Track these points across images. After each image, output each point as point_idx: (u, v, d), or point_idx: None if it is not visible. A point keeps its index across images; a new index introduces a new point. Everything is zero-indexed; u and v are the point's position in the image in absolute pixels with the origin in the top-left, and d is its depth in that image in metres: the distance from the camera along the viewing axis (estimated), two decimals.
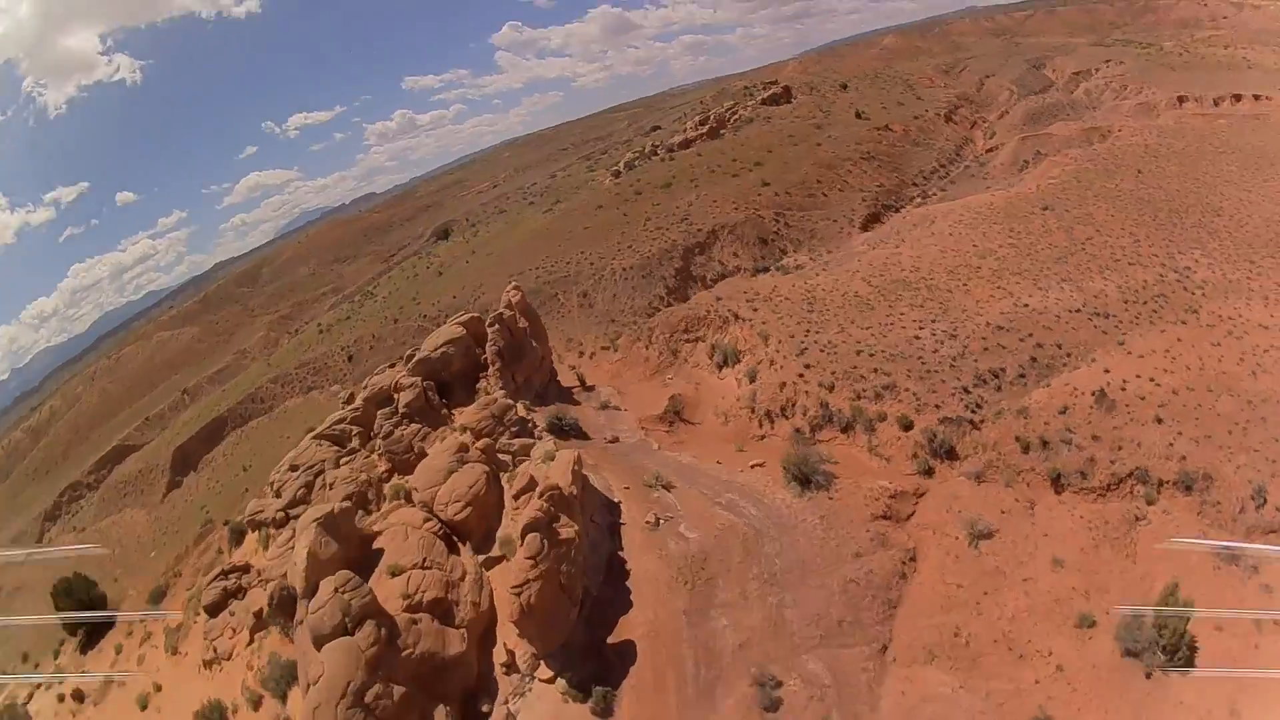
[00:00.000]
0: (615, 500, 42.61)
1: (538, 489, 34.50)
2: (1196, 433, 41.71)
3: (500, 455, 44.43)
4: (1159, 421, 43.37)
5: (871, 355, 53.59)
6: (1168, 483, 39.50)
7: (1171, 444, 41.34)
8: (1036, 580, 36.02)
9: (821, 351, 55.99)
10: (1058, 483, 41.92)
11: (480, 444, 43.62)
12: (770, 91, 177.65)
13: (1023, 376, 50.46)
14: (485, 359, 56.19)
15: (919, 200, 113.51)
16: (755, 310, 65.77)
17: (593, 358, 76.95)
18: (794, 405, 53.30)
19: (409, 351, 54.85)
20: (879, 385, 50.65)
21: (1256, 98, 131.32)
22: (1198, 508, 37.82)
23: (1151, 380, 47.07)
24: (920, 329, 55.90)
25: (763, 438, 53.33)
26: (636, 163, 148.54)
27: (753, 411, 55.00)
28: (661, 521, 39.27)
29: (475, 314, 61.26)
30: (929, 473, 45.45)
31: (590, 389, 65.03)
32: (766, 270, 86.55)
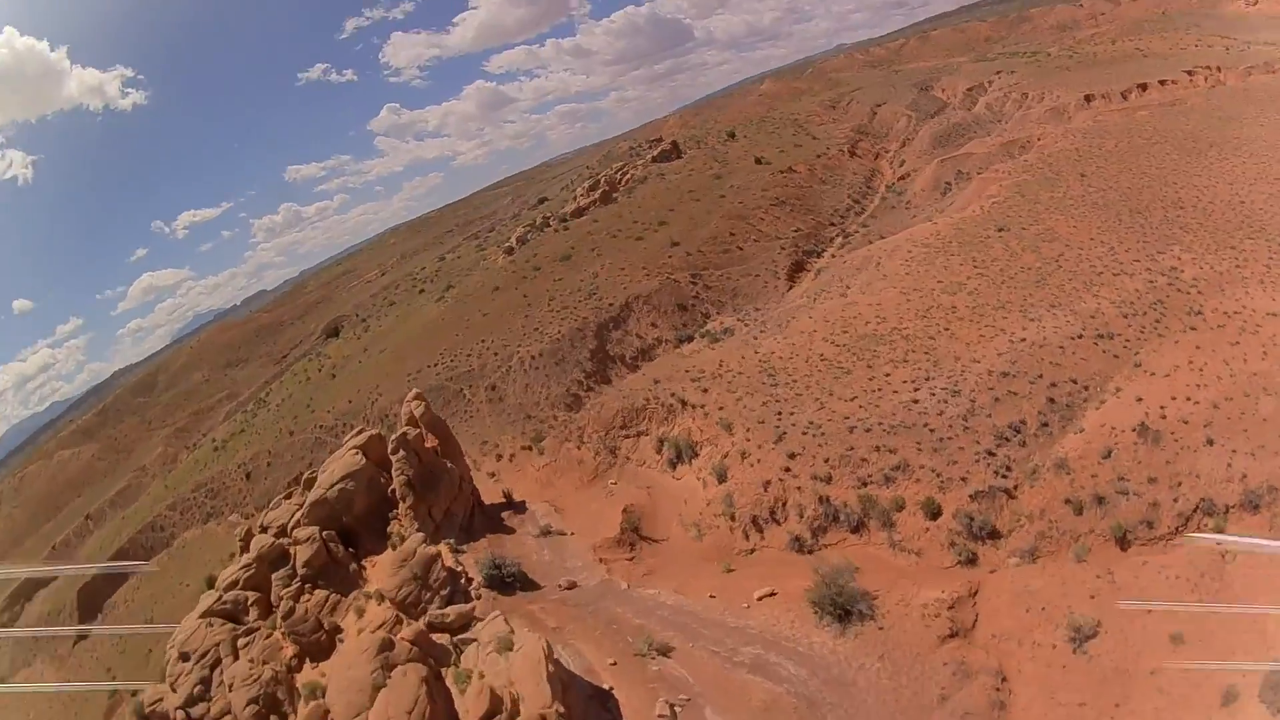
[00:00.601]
0: (604, 686, 36.06)
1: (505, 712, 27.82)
2: (1250, 445, 40.63)
3: (435, 639, 37.88)
4: (1210, 444, 41.80)
5: (868, 431, 49.83)
6: (1233, 506, 38.33)
7: (1229, 464, 40.02)
8: (1164, 669, 31.72)
9: (805, 435, 52.00)
10: (1124, 540, 39.42)
11: (408, 632, 36.86)
12: (659, 149, 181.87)
13: (1046, 425, 47.74)
14: (393, 491, 50.44)
15: (840, 240, 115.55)
16: (705, 392, 61.91)
17: (513, 460, 73.05)
18: (785, 506, 48.79)
19: (307, 474, 51.92)
20: (887, 467, 46.72)
21: (1163, 83, 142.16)
22: (1269, 523, 36.69)
23: (1188, 399, 45.65)
24: (915, 390, 52.86)
25: (752, 551, 48.44)
26: (529, 237, 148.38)
27: (732, 519, 50.06)
28: (678, 711, 32.85)
29: (374, 432, 55.17)
30: (972, 561, 41.74)
31: (521, 507, 58.72)
32: (691, 339, 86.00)
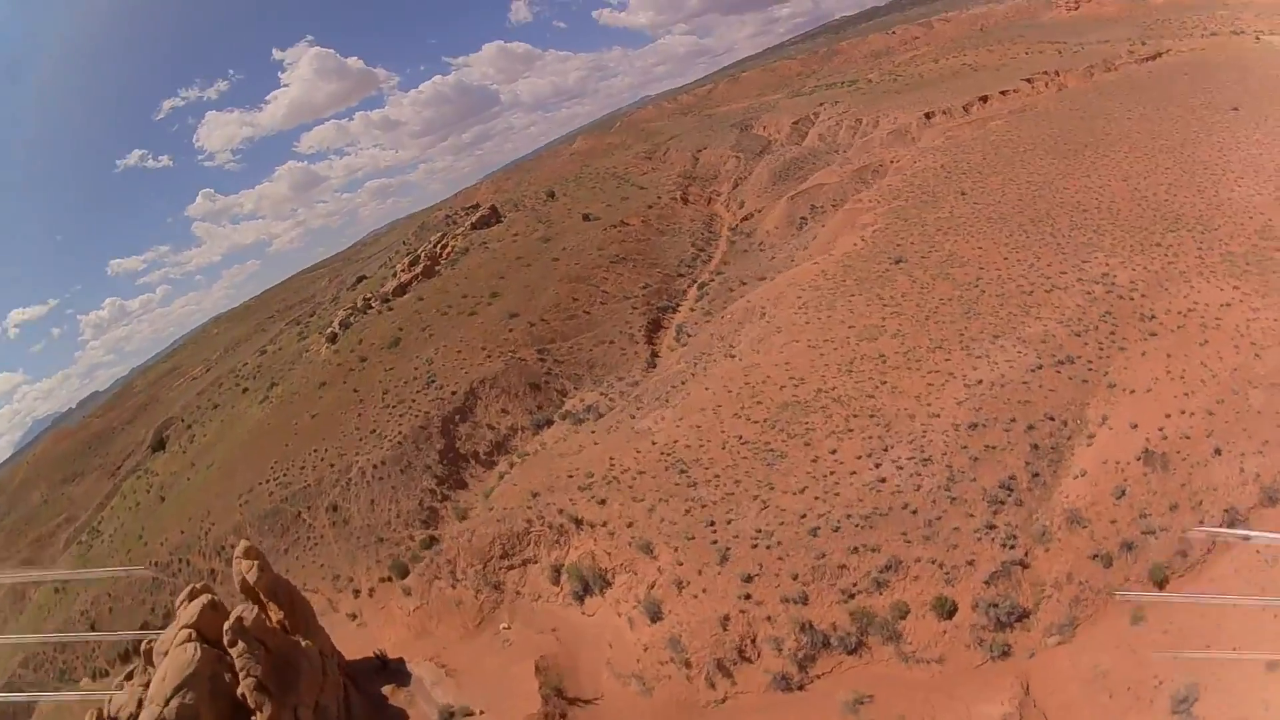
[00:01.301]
0: None
1: None
2: (1254, 443, 44.37)
3: None
4: (1218, 453, 44.62)
5: (837, 530, 46.98)
6: (1251, 507, 41.60)
7: (1242, 469, 43.39)
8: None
9: (756, 548, 48.35)
10: (1163, 582, 40.40)
11: None
12: (478, 215, 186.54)
13: (1037, 475, 47.36)
14: (244, 694, 42.45)
15: (696, 291, 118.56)
16: (603, 504, 57.22)
17: (374, 595, 69.27)
18: (755, 642, 44.49)
19: (145, 643, 48.05)
20: (875, 569, 43.91)
21: (1005, 93, 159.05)
22: None
23: (1182, 413, 47.97)
24: (876, 465, 51.10)
25: (723, 700, 43.69)
26: (352, 320, 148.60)
27: (688, 665, 45.10)
28: None
29: (207, 599, 46.44)
30: (1005, 653, 39.88)
31: (401, 673, 51.09)
32: (550, 422, 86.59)
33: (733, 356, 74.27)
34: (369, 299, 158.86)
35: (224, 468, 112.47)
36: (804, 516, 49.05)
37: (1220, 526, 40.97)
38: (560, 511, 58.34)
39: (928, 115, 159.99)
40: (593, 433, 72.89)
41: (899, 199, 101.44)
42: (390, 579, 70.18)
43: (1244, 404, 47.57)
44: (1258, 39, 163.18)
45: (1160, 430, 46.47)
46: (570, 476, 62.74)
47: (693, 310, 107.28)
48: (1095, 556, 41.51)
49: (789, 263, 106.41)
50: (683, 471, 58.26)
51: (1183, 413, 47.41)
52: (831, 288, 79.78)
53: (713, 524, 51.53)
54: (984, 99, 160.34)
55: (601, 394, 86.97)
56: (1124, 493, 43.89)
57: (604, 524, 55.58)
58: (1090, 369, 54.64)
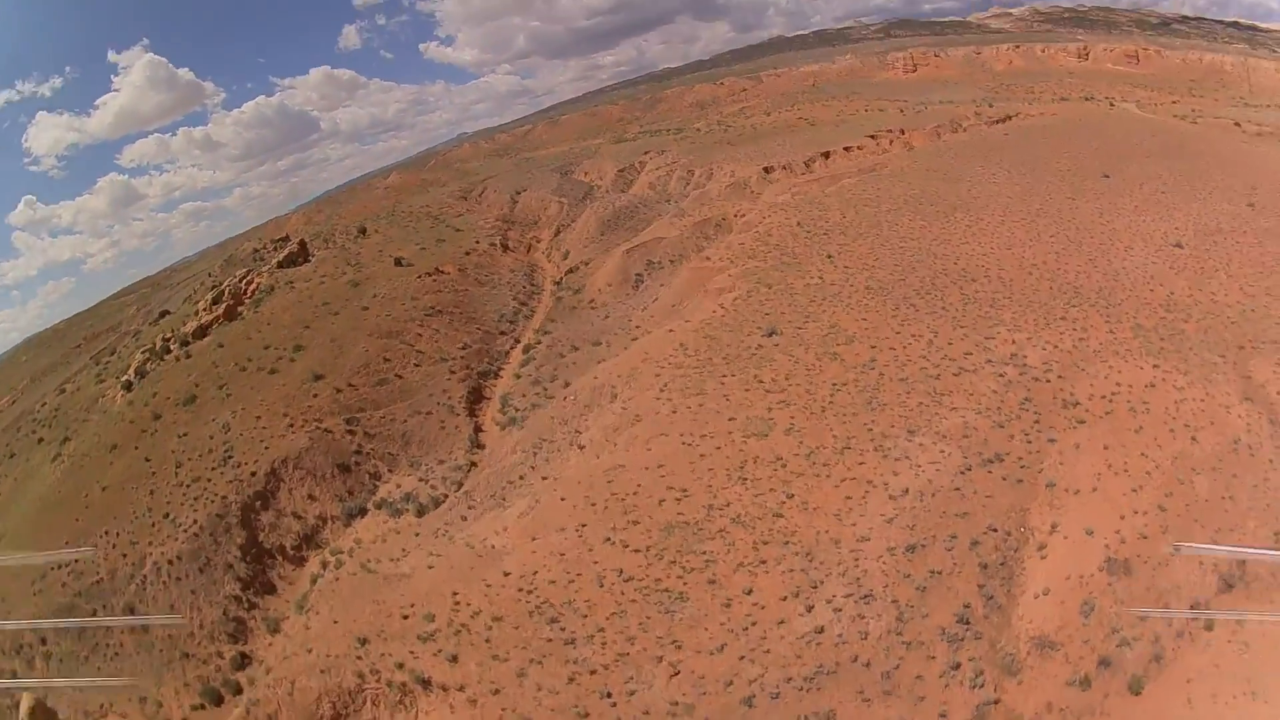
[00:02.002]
0: None
1: None
2: (1205, 533, 49.29)
3: None
4: (1176, 550, 47.35)
5: (776, 697, 44.95)
6: (1212, 596, 46.90)
7: (1200, 561, 47.33)
8: None
9: None
10: (1139, 687, 43.32)
11: None
12: (285, 250, 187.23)
13: (992, 598, 48.03)
14: None
15: (522, 356, 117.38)
16: (454, 661, 51.99)
17: None
18: None
19: None
20: None
21: (848, 149, 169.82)
22: (1246, 596, 46.38)
23: (1135, 511, 51.35)
24: (807, 608, 49.88)
25: None
26: (149, 367, 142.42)
27: None
28: None
29: None
30: None
31: None
32: (363, 511, 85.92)
33: (582, 448, 72.09)
34: (168, 339, 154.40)
35: (13, 538, 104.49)
36: (730, 684, 46.74)
37: (1186, 620, 45.26)
38: (400, 666, 53.39)
39: (767, 169, 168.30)
40: (417, 535, 71.05)
41: (755, 259, 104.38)
42: (204, 706, 67.32)
43: (1192, 493, 51.85)
44: (1112, 105, 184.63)
45: (1118, 533, 49.00)
46: (405, 617, 57.50)
47: (518, 377, 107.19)
48: (1073, 682, 43.04)
49: (626, 323, 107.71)
50: (553, 620, 54.56)
51: (1135, 512, 50.44)
52: (696, 366, 79.87)
53: (609, 696, 48.14)
54: (826, 154, 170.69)
55: (421, 479, 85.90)
56: (1093, 608, 45.68)
57: (460, 688, 51.14)
58: (1023, 466, 56.69)
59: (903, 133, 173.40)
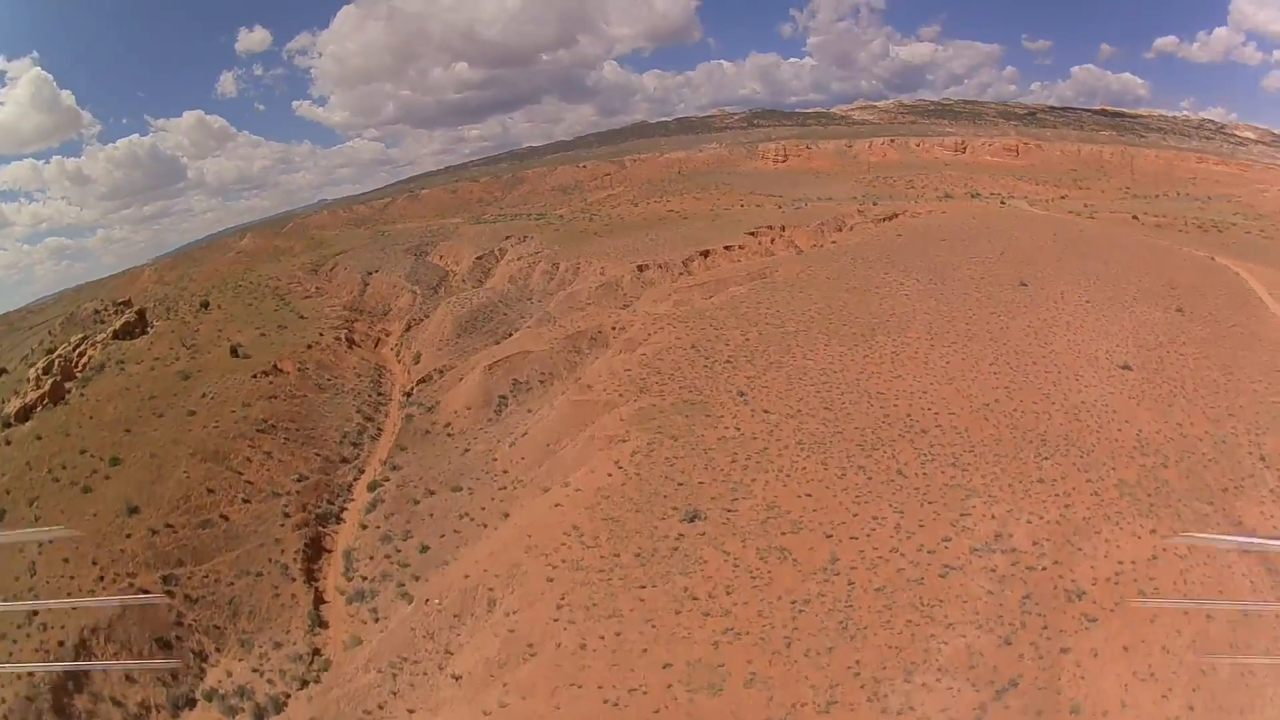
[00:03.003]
0: None
1: None
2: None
3: None
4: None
5: None
6: None
7: None
8: None
9: None
10: None
11: None
12: (123, 319, 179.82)
13: None
14: None
15: (369, 496, 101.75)
16: None
17: None
18: None
19: None
20: None
21: (728, 248, 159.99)
22: None
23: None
24: None
25: None
26: None
27: None
28: None
29: None
30: None
31: None
32: (193, 702, 76.89)
33: (457, 678, 55.35)
34: None
35: None
36: None
37: None
38: None
39: (641, 268, 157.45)
40: None
41: (647, 393, 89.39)
42: None
43: (1216, 681, 47.28)
44: (1003, 203, 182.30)
45: None
46: None
47: (364, 527, 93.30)
48: None
49: (490, 463, 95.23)
50: None
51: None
52: (601, 567, 62.43)
53: None
54: (706, 253, 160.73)
55: (254, 669, 76.41)
56: None
57: None
58: (1041, 689, 47.24)
59: (784, 230, 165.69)
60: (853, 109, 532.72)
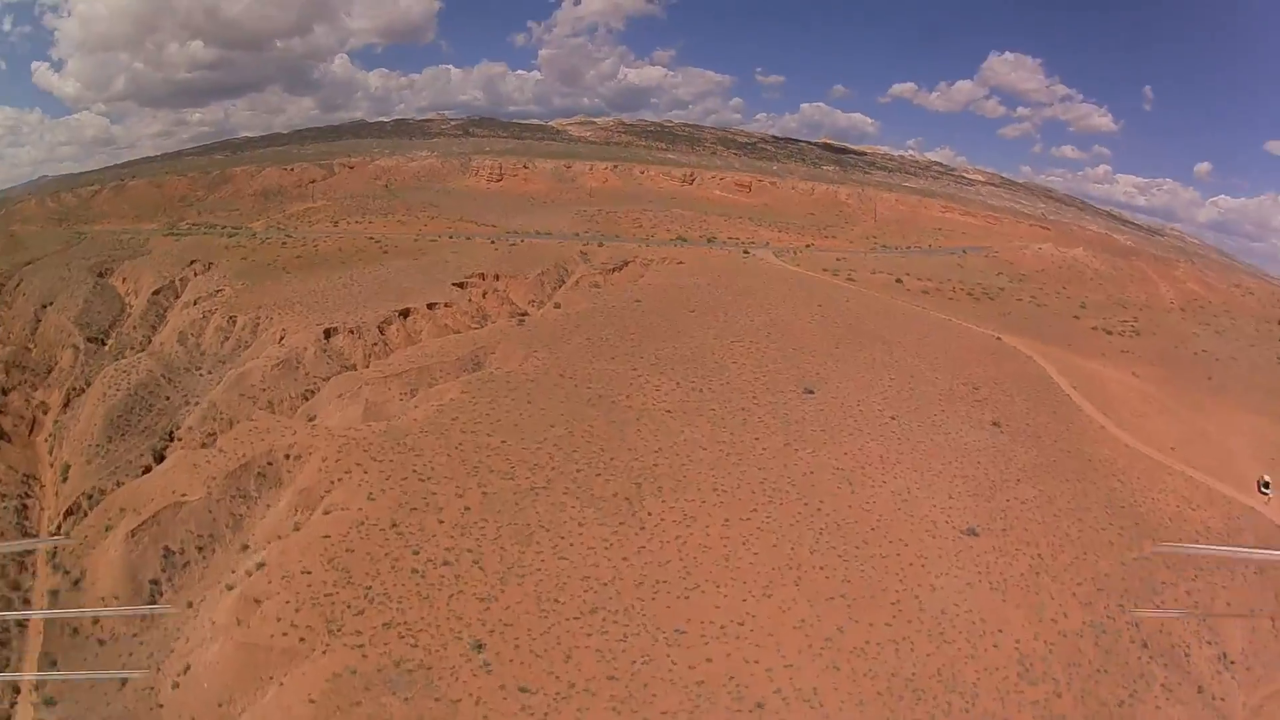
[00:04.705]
0: None
1: None
2: None
3: None
4: None
5: None
6: None
7: None
8: None
9: None
10: None
11: None
12: None
13: None
14: None
15: None
16: None
17: None
18: None
19: None
20: None
21: (432, 306, 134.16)
22: None
23: None
24: None
25: None
26: None
27: None
28: None
29: None
30: None
31: None
32: None
33: None
34: None
35: None
36: None
37: None
38: None
39: (328, 332, 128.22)
40: None
41: (341, 632, 56.26)
42: None
43: None
44: (746, 253, 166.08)
45: None
46: None
47: None
48: None
49: (153, 710, 61.80)
50: None
51: None
52: None
53: None
54: (405, 313, 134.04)
55: None
56: None
57: None
58: None
59: (499, 279, 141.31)
60: (570, 124, 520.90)
